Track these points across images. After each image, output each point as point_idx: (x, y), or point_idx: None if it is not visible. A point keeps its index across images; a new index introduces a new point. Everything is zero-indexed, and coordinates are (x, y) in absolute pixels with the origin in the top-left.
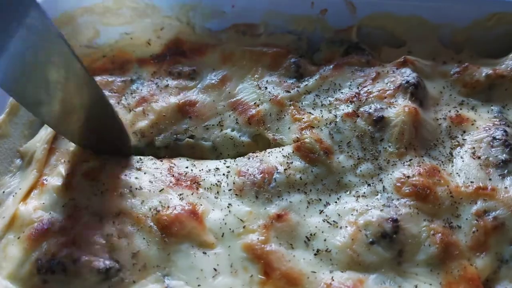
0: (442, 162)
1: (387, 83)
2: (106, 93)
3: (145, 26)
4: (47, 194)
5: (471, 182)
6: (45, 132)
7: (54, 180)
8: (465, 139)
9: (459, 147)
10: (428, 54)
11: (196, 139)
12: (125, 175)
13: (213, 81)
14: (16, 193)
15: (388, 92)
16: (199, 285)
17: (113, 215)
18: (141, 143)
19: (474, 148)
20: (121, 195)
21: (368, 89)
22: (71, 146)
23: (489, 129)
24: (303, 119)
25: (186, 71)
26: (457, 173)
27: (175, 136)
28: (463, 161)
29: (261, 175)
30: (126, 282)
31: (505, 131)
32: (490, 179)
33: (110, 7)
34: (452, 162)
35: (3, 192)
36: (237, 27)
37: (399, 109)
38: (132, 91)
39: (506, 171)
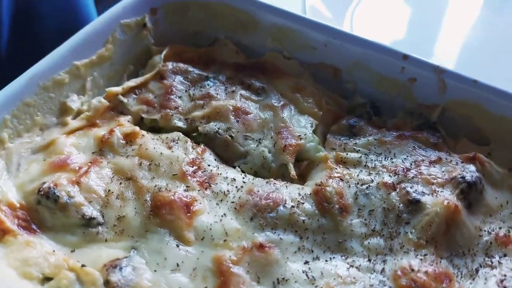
0: (461, 274)
1: (443, 171)
2: (180, 79)
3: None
4: (87, 138)
5: None
6: (116, 90)
7: (99, 130)
8: (501, 263)
9: (489, 268)
10: (509, 162)
11: (234, 140)
12: (154, 148)
13: (275, 103)
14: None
15: (438, 180)
16: (155, 271)
17: (124, 177)
18: (187, 127)
19: (505, 276)
20: (140, 164)
21: (421, 170)
22: (126, 109)
23: None
24: (336, 170)
25: (256, 85)
26: None
27: (217, 128)
28: (485, 283)
29: (266, 201)
30: (99, 237)
31: None
32: None
33: (221, 11)
34: (473, 279)
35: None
36: (323, 66)
37: (439, 199)
38: (202, 86)
39: None
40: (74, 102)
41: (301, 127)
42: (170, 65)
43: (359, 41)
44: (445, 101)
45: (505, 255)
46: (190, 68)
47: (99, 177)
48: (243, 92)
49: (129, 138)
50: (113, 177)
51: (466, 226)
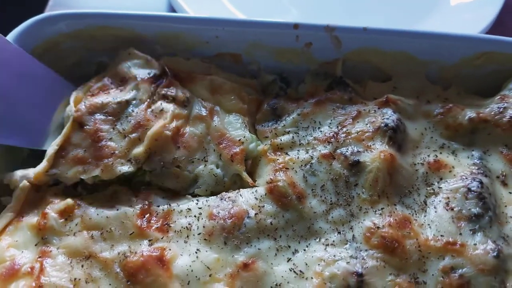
0: (415, 211)
1: (367, 124)
2: (101, 117)
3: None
4: (21, 231)
5: (441, 235)
6: (32, 170)
7: (30, 217)
8: (441, 187)
9: (434, 196)
10: (413, 90)
11: (182, 169)
12: (98, 214)
13: (202, 113)
14: None
15: (366, 134)
16: None
17: (83, 258)
18: (133, 169)
19: (448, 198)
20: (92, 237)
21: (348, 129)
22: (62, 177)
23: (466, 178)
24: (278, 160)
25: (181, 96)
26: (429, 225)
27: (162, 163)
28: (436, 211)
29: (231, 220)
30: None
31: (481, 182)
32: (460, 234)
33: (95, 34)
34: (425, 211)
35: None
36: (222, 56)
37: (375, 154)
38: (127, 114)
39: (477, 226)
40: None
41: (236, 129)
42: (82, 106)
43: (248, 24)
44: (343, 54)
45: (441, 179)
46: (105, 99)
47: (57, 268)
48: (171, 107)
49: (66, 214)
50: (70, 262)
51: (404, 167)
